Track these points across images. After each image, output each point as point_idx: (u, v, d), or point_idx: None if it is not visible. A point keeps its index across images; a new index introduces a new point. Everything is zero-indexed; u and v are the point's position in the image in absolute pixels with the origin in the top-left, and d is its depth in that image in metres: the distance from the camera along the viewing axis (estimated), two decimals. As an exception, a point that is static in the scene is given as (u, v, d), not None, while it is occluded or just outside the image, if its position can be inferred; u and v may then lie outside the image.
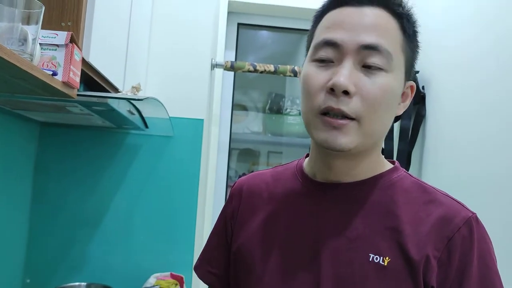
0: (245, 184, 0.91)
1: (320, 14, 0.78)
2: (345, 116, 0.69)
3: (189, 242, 1.90)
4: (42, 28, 0.96)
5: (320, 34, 0.75)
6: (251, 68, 2.05)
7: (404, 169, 0.81)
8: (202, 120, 1.94)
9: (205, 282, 0.92)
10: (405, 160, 1.90)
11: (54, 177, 1.84)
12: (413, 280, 0.68)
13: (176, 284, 1.75)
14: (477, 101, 1.55)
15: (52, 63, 1.01)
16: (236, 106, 2.71)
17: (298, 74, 2.07)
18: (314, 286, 0.73)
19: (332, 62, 0.72)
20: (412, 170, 1.90)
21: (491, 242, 0.73)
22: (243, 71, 2.08)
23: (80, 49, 1.09)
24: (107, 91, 1.41)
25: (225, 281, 0.89)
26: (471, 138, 1.56)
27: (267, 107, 2.89)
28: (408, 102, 0.80)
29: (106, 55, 1.36)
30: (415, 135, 1.92)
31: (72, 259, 1.84)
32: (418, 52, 0.79)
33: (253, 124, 2.85)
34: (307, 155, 0.86)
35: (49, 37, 1.02)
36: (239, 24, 2.47)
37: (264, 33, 2.89)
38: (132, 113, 1.48)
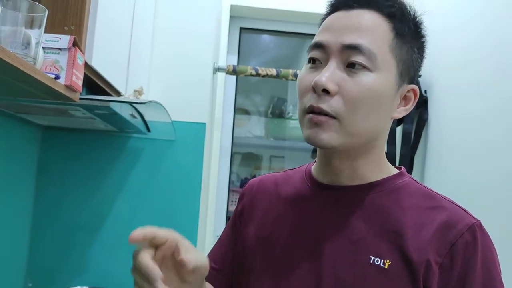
0: (256, 184, 0.93)
1: (321, 22, 0.81)
2: (325, 114, 0.71)
3: (191, 246, 1.90)
4: (45, 32, 0.97)
5: (314, 38, 0.78)
6: (253, 72, 2.05)
7: (410, 176, 0.81)
8: (204, 124, 1.94)
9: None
10: (408, 165, 1.90)
11: (56, 180, 1.84)
12: (413, 283, 0.68)
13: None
14: (479, 105, 1.54)
15: (55, 66, 1.02)
16: (238, 110, 2.71)
17: (300, 78, 2.07)
18: (315, 287, 0.74)
19: (321, 63, 0.75)
20: (415, 175, 1.90)
21: (495, 251, 0.72)
22: (245, 75, 2.08)
23: (83, 53, 1.09)
24: (110, 95, 1.41)
25: (226, 276, 0.89)
26: (474, 142, 1.56)
27: (269, 111, 2.89)
28: (410, 106, 0.79)
29: (109, 59, 1.36)
30: (417, 139, 1.91)
31: (74, 263, 1.84)
32: (421, 53, 0.79)
33: (255, 128, 2.85)
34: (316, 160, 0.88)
35: (52, 41, 1.02)
36: (241, 28, 2.47)
37: (266, 37, 2.89)
38: (134, 117, 1.49)
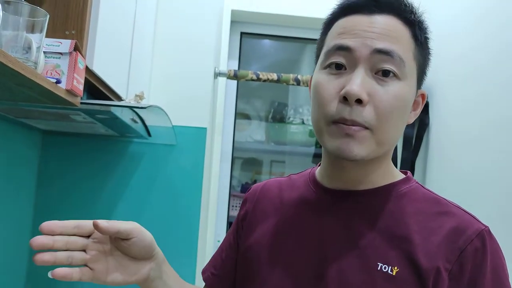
0: (259, 189, 0.92)
1: (330, 22, 0.77)
2: (357, 125, 0.69)
3: (192, 252, 1.89)
4: (47, 36, 0.97)
5: (331, 41, 0.74)
6: (254, 77, 2.05)
7: (416, 180, 0.80)
8: (205, 128, 1.94)
9: (206, 284, 0.93)
10: (409, 169, 1.89)
11: (57, 185, 1.84)
12: None
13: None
14: (481, 110, 1.54)
15: (56, 71, 1.02)
16: (239, 115, 2.71)
17: (301, 82, 2.07)
18: None
19: (344, 69, 0.71)
20: (416, 179, 1.88)
21: (503, 257, 0.71)
22: (246, 80, 2.08)
23: (84, 57, 1.09)
24: (111, 99, 1.41)
25: (226, 282, 0.89)
26: (475, 146, 1.55)
27: (270, 116, 2.89)
28: (419, 110, 0.79)
29: (110, 64, 1.36)
30: (418, 143, 1.91)
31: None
32: (430, 59, 0.79)
33: (256, 133, 2.85)
34: (320, 164, 0.86)
35: (53, 45, 1.02)
36: (242, 33, 2.48)
37: (267, 42, 2.90)
38: (135, 122, 1.48)
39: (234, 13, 2.29)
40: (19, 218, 1.72)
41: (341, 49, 0.71)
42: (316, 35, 0.81)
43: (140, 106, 1.23)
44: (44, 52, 1.00)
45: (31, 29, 0.90)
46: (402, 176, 0.80)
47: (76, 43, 1.03)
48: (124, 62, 1.53)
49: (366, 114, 0.68)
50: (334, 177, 0.79)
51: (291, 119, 2.82)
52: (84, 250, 0.70)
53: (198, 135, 1.94)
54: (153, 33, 1.93)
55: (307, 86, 2.08)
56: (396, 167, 0.84)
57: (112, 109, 1.23)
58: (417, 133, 1.92)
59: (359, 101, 0.68)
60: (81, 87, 1.08)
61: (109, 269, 0.72)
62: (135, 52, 1.62)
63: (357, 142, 0.69)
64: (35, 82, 0.88)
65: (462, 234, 0.69)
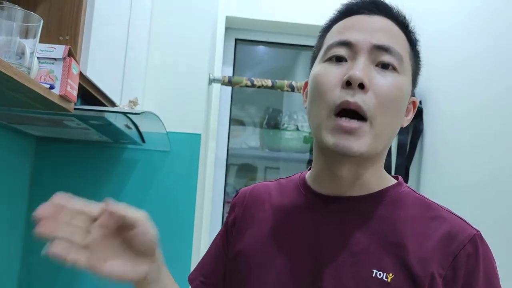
0: (248, 193, 0.90)
1: (329, 25, 0.80)
2: (358, 117, 0.69)
3: (186, 259, 1.88)
4: (40, 41, 0.96)
5: (332, 38, 0.76)
6: (249, 83, 2.05)
7: (408, 185, 0.81)
8: (199, 135, 1.94)
9: None
10: (403, 175, 1.89)
11: (50, 192, 1.79)
12: None
13: (173, 301, 1.73)
14: (475, 117, 1.55)
15: (49, 76, 1.01)
16: (234, 121, 2.71)
17: (295, 89, 2.07)
18: None
19: (345, 61, 0.73)
20: (410, 185, 1.89)
21: (495, 261, 0.72)
22: (241, 86, 2.08)
23: (78, 63, 1.09)
24: (105, 105, 1.41)
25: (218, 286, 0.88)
26: (469, 153, 1.56)
27: (264, 122, 2.89)
28: (410, 117, 0.80)
29: (104, 70, 1.36)
30: (412, 150, 1.92)
31: (67, 276, 1.82)
32: (420, 69, 0.81)
33: (250, 139, 2.84)
34: (310, 169, 0.86)
35: (47, 51, 1.02)
36: (236, 40, 2.48)
37: (262, 48, 2.90)
38: (129, 128, 1.48)
39: (228, 19, 2.30)
40: (11, 225, 1.71)
41: (343, 44, 0.73)
42: (311, 42, 0.83)
43: (134, 112, 1.23)
44: (38, 58, 0.99)
45: (25, 34, 0.89)
46: (394, 181, 0.81)
47: (70, 49, 1.02)
48: (118, 68, 1.53)
49: (367, 99, 0.69)
50: (326, 182, 0.79)
51: (285, 125, 2.83)
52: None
53: (192, 141, 1.93)
54: (147, 39, 1.93)
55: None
56: (390, 173, 0.84)
57: (106, 115, 1.23)
58: (411, 140, 1.93)
59: (361, 87, 0.69)
60: (75, 93, 1.07)
61: (107, 258, 0.66)
62: (129, 58, 1.62)
63: (357, 138, 0.69)
64: (28, 88, 0.87)
65: (454, 239, 0.70)
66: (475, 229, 0.72)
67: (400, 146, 1.91)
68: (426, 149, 1.88)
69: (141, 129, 1.60)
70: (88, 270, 0.64)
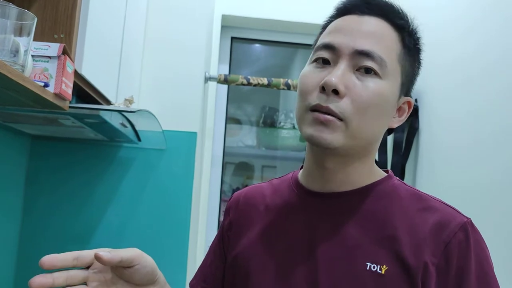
0: (242, 196, 0.91)
1: (327, 23, 0.81)
2: (332, 115, 0.71)
3: (182, 258, 1.88)
4: (35, 40, 0.96)
5: (321, 39, 0.78)
6: (245, 81, 2.05)
7: (398, 178, 0.82)
8: (195, 133, 1.94)
9: None
10: (399, 173, 1.90)
11: (45, 191, 1.82)
12: (412, 287, 0.68)
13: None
14: (470, 113, 1.55)
15: (44, 74, 1.01)
16: (230, 120, 2.71)
17: (291, 87, 2.07)
18: None
19: (329, 64, 0.74)
20: (406, 182, 1.90)
21: (487, 247, 0.73)
22: (237, 84, 2.08)
23: (73, 61, 1.08)
24: (100, 104, 1.40)
25: None
26: (464, 150, 1.56)
27: (261, 121, 2.89)
28: (404, 117, 0.81)
29: (99, 68, 1.35)
30: (408, 147, 1.92)
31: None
32: (419, 68, 0.81)
33: (247, 137, 2.84)
34: (302, 167, 0.87)
35: (41, 49, 1.01)
36: (232, 38, 2.48)
37: (258, 47, 2.90)
38: (125, 126, 1.47)
39: (224, 18, 2.30)
40: (7, 224, 1.70)
41: (327, 47, 0.75)
42: (307, 40, 0.84)
43: (129, 110, 1.23)
44: (32, 56, 0.99)
45: (19, 32, 0.89)
46: (384, 174, 0.82)
47: (64, 47, 1.02)
48: (113, 66, 1.52)
49: (342, 105, 0.71)
50: (317, 179, 0.80)
51: (282, 124, 2.83)
52: (85, 283, 0.67)
53: (188, 139, 1.93)
54: (143, 38, 1.92)
55: (298, 90, 2.09)
56: None
57: (101, 113, 1.23)
58: (407, 138, 1.93)
59: (336, 93, 0.70)
60: (70, 91, 1.07)
61: None
62: (125, 56, 1.61)
63: (330, 131, 0.71)
64: (22, 86, 0.87)
65: (445, 227, 0.71)
66: (465, 217, 0.73)
67: (396, 144, 1.91)
68: (421, 147, 1.88)
69: (137, 128, 1.60)
70: None
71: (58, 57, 1.01)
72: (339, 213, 0.77)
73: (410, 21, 0.78)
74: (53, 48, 1.01)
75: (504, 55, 1.39)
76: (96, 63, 1.30)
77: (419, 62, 0.81)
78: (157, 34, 1.95)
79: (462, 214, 0.74)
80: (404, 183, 0.81)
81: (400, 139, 1.92)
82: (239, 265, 0.83)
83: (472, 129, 1.53)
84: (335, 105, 0.70)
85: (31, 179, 1.81)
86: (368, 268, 0.71)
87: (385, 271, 0.70)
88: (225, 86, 2.42)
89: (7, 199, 1.69)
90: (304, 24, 2.25)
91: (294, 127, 2.80)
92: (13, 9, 0.87)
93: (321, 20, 0.83)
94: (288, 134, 2.80)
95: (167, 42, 1.96)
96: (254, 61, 2.93)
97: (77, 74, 1.16)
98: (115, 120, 1.37)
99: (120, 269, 0.68)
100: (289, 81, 2.07)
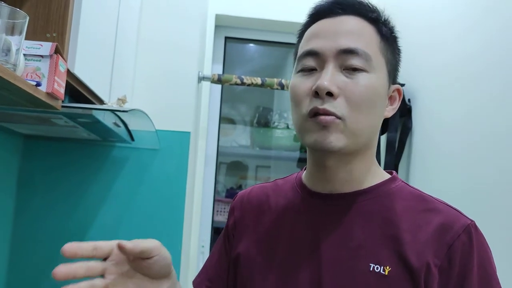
0: (246, 196, 0.92)
1: (302, 31, 0.83)
2: (331, 115, 0.71)
3: (176, 258, 1.88)
4: (27, 39, 0.95)
5: (302, 47, 0.79)
6: (238, 81, 2.05)
7: (402, 179, 0.82)
8: (189, 133, 1.93)
9: None
10: (392, 173, 1.90)
11: (38, 191, 1.81)
12: None
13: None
14: (463, 113, 1.56)
15: (36, 73, 1.00)
16: (224, 120, 2.71)
17: (285, 87, 2.08)
18: None
19: (315, 70, 0.75)
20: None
21: (490, 250, 0.73)
22: (230, 84, 2.08)
23: (65, 61, 1.08)
24: (93, 103, 1.40)
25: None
26: (457, 150, 1.57)
27: (255, 121, 2.89)
28: (396, 105, 0.82)
29: (92, 67, 1.35)
30: (401, 147, 1.93)
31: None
32: (399, 55, 0.83)
33: (241, 137, 2.84)
34: (305, 168, 0.87)
35: (34, 48, 1.01)
36: (226, 38, 2.48)
37: (252, 46, 2.90)
38: (118, 126, 1.47)
39: (218, 17, 2.30)
40: (-1, 224, 1.69)
41: (310, 54, 0.76)
42: None
43: (122, 109, 1.22)
44: (24, 55, 0.98)
45: (11, 31, 0.88)
46: (388, 176, 0.82)
47: (57, 46, 1.01)
48: (106, 65, 1.52)
49: (337, 105, 0.72)
50: (320, 179, 0.80)
51: (276, 123, 2.83)
52: (103, 275, 0.66)
53: (182, 139, 1.93)
54: (136, 37, 1.92)
55: (291, 90, 2.09)
56: None
57: (94, 112, 1.22)
58: (400, 137, 1.94)
59: (329, 94, 0.71)
60: (62, 90, 1.06)
61: None
62: (118, 55, 1.61)
63: (333, 133, 0.72)
64: (14, 85, 0.86)
65: (449, 229, 0.71)
66: (469, 219, 0.73)
67: (389, 143, 1.92)
68: (414, 147, 1.89)
69: (130, 127, 1.59)
70: None
71: (51, 56, 1.01)
72: (342, 214, 0.77)
73: (381, 12, 0.80)
74: (46, 47, 1.01)
75: (498, 57, 1.40)
76: (89, 62, 1.30)
77: (399, 49, 0.82)
78: (151, 33, 1.95)
79: (466, 216, 0.74)
80: (408, 185, 0.81)
81: (393, 138, 1.92)
82: (243, 265, 0.84)
83: (465, 129, 1.53)
84: (331, 105, 0.71)
85: (23, 179, 1.80)
86: (371, 269, 0.71)
87: (388, 272, 0.70)
88: (219, 86, 2.41)
89: (-1, 199, 1.68)
90: (298, 24, 2.25)
91: (288, 127, 2.80)
92: (4, 8, 0.87)
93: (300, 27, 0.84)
94: (282, 134, 2.81)
95: (160, 42, 1.96)
96: (248, 61, 2.93)
97: (69, 74, 1.16)
98: (108, 120, 1.36)
99: (138, 261, 0.68)
100: (283, 81, 2.08)
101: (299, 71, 0.78)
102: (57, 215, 1.82)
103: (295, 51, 0.84)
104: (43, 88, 0.99)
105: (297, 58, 0.80)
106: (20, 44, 0.90)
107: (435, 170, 1.71)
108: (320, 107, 0.71)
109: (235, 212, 0.92)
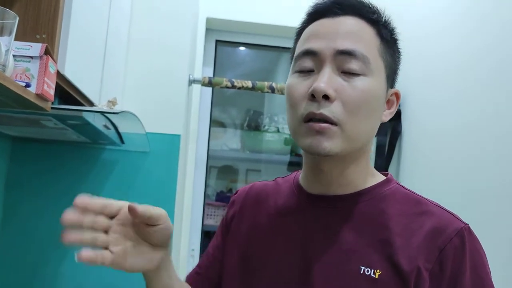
0: (246, 192, 0.93)
1: (300, 30, 0.81)
2: (327, 121, 0.70)
3: (166, 260, 1.87)
4: (17, 39, 0.94)
5: (299, 47, 0.77)
6: (229, 84, 2.05)
7: (397, 181, 0.82)
8: (179, 135, 1.93)
9: (187, 282, 0.93)
10: (382, 176, 1.91)
11: (27, 194, 1.79)
12: None
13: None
14: (452, 117, 1.57)
15: (25, 75, 0.99)
16: (214, 123, 2.70)
17: (275, 90, 2.08)
18: None
19: (313, 71, 0.74)
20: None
21: (485, 254, 0.72)
22: (221, 87, 2.08)
23: (55, 62, 1.07)
24: (83, 105, 1.39)
25: (208, 283, 0.91)
26: (446, 154, 1.59)
27: (245, 124, 2.89)
28: (394, 109, 0.81)
29: (82, 69, 1.34)
30: (391, 151, 1.94)
31: (45, 280, 1.78)
32: (399, 58, 0.81)
33: (231, 141, 2.84)
34: None
35: (23, 49, 1.00)
36: (217, 41, 2.48)
37: (243, 50, 2.91)
38: (108, 128, 1.46)
39: (209, 21, 2.30)
40: (-14, 227, 1.67)
41: (307, 53, 0.75)
42: (291, 44, 0.84)
43: (111, 111, 1.22)
44: (14, 56, 0.98)
45: (0, 31, 0.88)
46: (383, 177, 0.81)
47: (47, 47, 1.00)
48: (97, 67, 1.51)
49: (334, 109, 0.70)
50: (314, 181, 0.80)
51: (266, 127, 2.83)
52: (106, 232, 0.69)
53: (172, 142, 1.92)
54: (127, 39, 1.91)
55: (282, 94, 2.10)
56: None
57: (84, 114, 1.21)
58: (389, 141, 1.95)
59: (326, 98, 0.70)
60: (52, 92, 1.05)
61: (127, 253, 0.69)
62: (109, 57, 1.60)
63: (328, 138, 0.70)
64: (3, 86, 0.85)
65: (441, 233, 0.70)
66: (463, 222, 0.72)
67: (379, 147, 1.93)
68: (404, 150, 1.90)
69: (120, 130, 1.58)
70: (112, 267, 0.68)
71: (40, 57, 1.00)
72: (335, 217, 0.77)
73: (382, 13, 0.78)
74: (35, 48, 1.00)
75: (488, 64, 1.41)
76: (79, 64, 1.29)
77: (399, 52, 0.81)
78: (141, 35, 1.94)
79: (460, 220, 0.73)
80: (403, 187, 0.80)
81: (383, 142, 1.94)
82: (236, 259, 0.85)
83: (454, 133, 1.55)
84: (328, 109, 0.70)
85: (11, 182, 1.78)
86: (362, 272, 0.71)
87: (379, 275, 0.70)
88: (210, 89, 2.41)
89: (-14, 202, 1.66)
90: (289, 28, 2.26)
91: (278, 131, 2.80)
92: (-6, 8, 0.86)
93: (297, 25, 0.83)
94: (272, 138, 2.81)
95: (151, 44, 1.95)
96: (238, 64, 2.94)
97: (59, 75, 1.15)
98: (98, 122, 1.35)
99: (142, 226, 0.70)
100: (273, 85, 2.08)
101: (296, 72, 0.76)
102: (46, 218, 1.80)
103: (293, 49, 0.82)
104: (32, 89, 0.99)
105: (294, 58, 0.78)
106: (9, 45, 0.90)
107: (424, 173, 1.73)
108: (317, 112, 0.70)
109: (234, 206, 0.92)
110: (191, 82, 2.04)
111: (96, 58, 1.50)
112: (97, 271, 1.82)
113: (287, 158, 2.80)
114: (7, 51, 0.89)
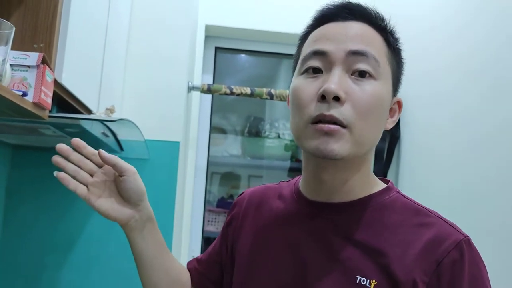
0: (250, 194, 0.93)
1: (306, 34, 0.80)
2: (336, 123, 0.69)
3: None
4: (15, 49, 0.95)
5: (307, 48, 0.76)
6: (228, 91, 2.06)
7: (398, 189, 0.80)
8: (178, 142, 1.93)
9: (189, 272, 0.96)
10: (381, 182, 1.91)
11: (26, 201, 1.80)
12: None
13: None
14: (450, 122, 1.58)
15: (23, 84, 1.00)
16: (215, 129, 2.71)
17: (274, 96, 2.08)
18: None
19: (321, 72, 0.73)
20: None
21: (485, 268, 0.70)
22: (220, 94, 2.09)
23: (53, 71, 1.08)
24: (81, 113, 1.40)
25: (204, 281, 0.93)
26: (445, 159, 1.59)
27: (246, 130, 2.90)
28: (396, 118, 0.80)
29: (80, 77, 1.35)
30: (390, 156, 1.94)
31: (44, 284, 1.79)
32: (403, 68, 0.81)
33: (232, 147, 2.85)
34: None
35: (21, 58, 1.01)
36: (216, 48, 2.50)
37: (242, 57, 2.92)
38: (106, 136, 1.47)
39: (208, 28, 2.31)
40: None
41: (317, 53, 0.73)
42: (291, 50, 0.84)
43: (109, 119, 1.22)
44: (11, 65, 0.99)
45: (-3, 41, 0.89)
46: (383, 185, 0.80)
47: (44, 56, 1.01)
48: (95, 75, 1.52)
49: (344, 111, 0.69)
50: (315, 188, 0.79)
51: (267, 133, 2.84)
52: (91, 175, 0.81)
53: (171, 149, 1.93)
54: (125, 47, 1.92)
55: (281, 100, 2.10)
56: None
57: (82, 122, 1.22)
58: (388, 146, 1.95)
59: (337, 99, 0.69)
60: (49, 100, 1.06)
61: (101, 196, 0.81)
62: (107, 65, 1.61)
63: (336, 140, 0.69)
64: (0, 95, 0.86)
65: (440, 245, 0.69)
66: (463, 234, 0.70)
67: (378, 152, 1.93)
68: (403, 156, 1.90)
69: (119, 137, 1.59)
70: (84, 200, 0.81)
71: (37, 66, 1.01)
72: (333, 225, 0.76)
73: (388, 22, 0.78)
74: (32, 58, 1.01)
75: (484, 64, 1.41)
76: (77, 72, 1.30)
77: (402, 62, 0.80)
78: (140, 43, 1.96)
79: (460, 232, 0.71)
80: (404, 195, 0.79)
81: (381, 148, 1.94)
82: (234, 260, 0.86)
83: (453, 137, 1.55)
84: (338, 111, 0.68)
85: (12, 188, 1.79)
86: (358, 282, 0.70)
87: (374, 285, 0.69)
88: (209, 96, 2.42)
89: (-14, 210, 1.67)
90: (288, 35, 2.28)
91: (279, 136, 2.81)
92: (-10, 19, 0.87)
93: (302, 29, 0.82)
94: (272, 144, 2.82)
95: (149, 51, 1.96)
96: (238, 71, 2.95)
97: (57, 84, 1.16)
98: (96, 130, 1.36)
99: (116, 179, 0.82)
100: (272, 91, 2.09)
101: (303, 73, 0.75)
102: (45, 225, 1.81)
103: (297, 53, 0.81)
104: (29, 98, 1.00)
105: (300, 59, 0.77)
106: (6, 55, 0.90)
107: (423, 178, 1.73)
108: (327, 113, 0.68)
109: (235, 208, 0.93)
110: (190, 89, 2.05)
111: (95, 65, 1.51)
112: (96, 276, 1.83)
113: (287, 164, 2.81)
114: (3, 60, 0.90)
